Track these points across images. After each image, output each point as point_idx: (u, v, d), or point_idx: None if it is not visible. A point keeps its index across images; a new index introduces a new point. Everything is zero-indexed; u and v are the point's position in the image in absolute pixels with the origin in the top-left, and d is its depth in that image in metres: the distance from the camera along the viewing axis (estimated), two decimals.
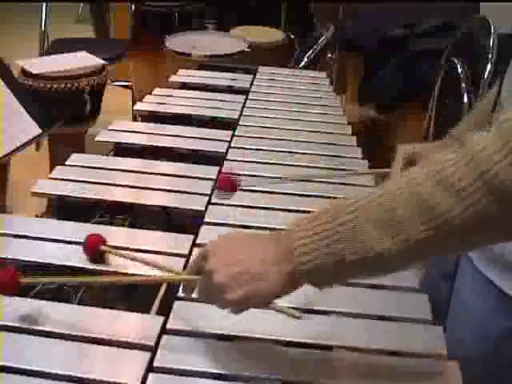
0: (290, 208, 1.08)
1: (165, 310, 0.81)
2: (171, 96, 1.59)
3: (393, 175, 1.04)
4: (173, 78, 1.73)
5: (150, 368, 0.71)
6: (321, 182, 1.18)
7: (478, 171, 0.56)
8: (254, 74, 1.82)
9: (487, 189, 0.56)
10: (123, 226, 1.03)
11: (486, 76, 1.82)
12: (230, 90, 1.69)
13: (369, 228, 0.60)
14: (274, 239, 0.67)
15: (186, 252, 0.93)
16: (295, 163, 1.26)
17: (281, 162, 1.26)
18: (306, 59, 2.89)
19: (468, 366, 0.79)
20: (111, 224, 1.03)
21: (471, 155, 0.57)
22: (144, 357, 0.72)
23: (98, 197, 1.08)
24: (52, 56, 2.43)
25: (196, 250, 0.84)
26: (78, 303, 0.85)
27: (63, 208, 1.08)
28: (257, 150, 1.31)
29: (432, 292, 0.92)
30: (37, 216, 1.05)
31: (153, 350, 0.74)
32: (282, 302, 0.74)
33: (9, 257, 0.89)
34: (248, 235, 0.74)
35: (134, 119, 1.58)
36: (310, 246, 0.63)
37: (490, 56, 1.84)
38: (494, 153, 0.55)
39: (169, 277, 0.86)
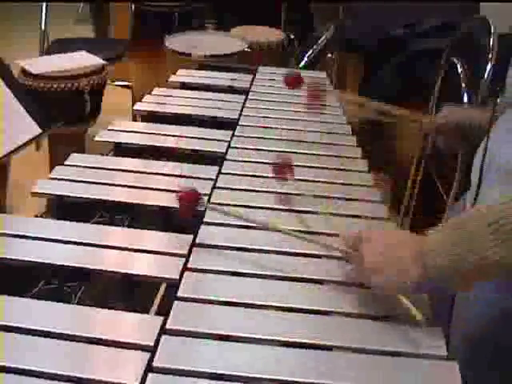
0: (290, 208, 1.08)
1: (164, 311, 0.81)
2: (171, 96, 1.59)
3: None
4: (173, 78, 1.73)
5: (149, 368, 0.71)
6: (321, 181, 1.18)
7: None
8: (254, 74, 1.82)
9: None
10: (122, 226, 1.03)
11: (485, 76, 1.82)
12: (230, 89, 1.69)
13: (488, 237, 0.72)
14: (415, 243, 0.79)
15: (186, 252, 0.93)
16: (295, 163, 1.26)
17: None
18: (305, 59, 2.89)
19: (473, 346, 0.94)
20: (111, 224, 1.03)
21: None
22: (143, 357, 0.72)
23: (97, 197, 1.08)
24: (52, 56, 2.43)
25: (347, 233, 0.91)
26: (78, 303, 0.85)
27: (63, 208, 1.08)
28: (256, 150, 1.31)
29: None
30: (37, 216, 1.05)
31: (152, 350, 0.73)
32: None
33: (9, 257, 0.89)
34: (392, 232, 0.90)
35: (134, 119, 1.58)
36: (437, 257, 0.75)
37: (489, 56, 1.84)
38: None
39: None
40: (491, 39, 1.86)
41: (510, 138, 0.93)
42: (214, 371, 0.72)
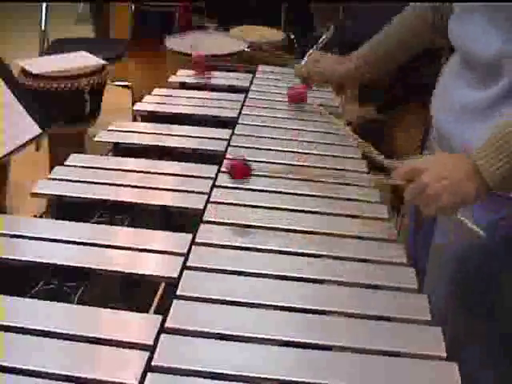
0: (290, 208, 1.08)
1: (163, 309, 0.81)
2: (171, 96, 1.58)
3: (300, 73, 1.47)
4: (173, 78, 1.73)
5: (149, 367, 0.71)
6: (321, 181, 1.18)
7: None
8: (254, 74, 1.82)
9: None
10: (122, 225, 1.03)
11: None
12: (230, 89, 1.69)
13: None
14: (467, 162, 0.89)
15: (185, 251, 0.93)
16: (295, 163, 1.26)
17: (280, 161, 1.26)
18: (305, 59, 2.88)
19: (456, 258, 1.06)
20: (111, 224, 1.03)
21: None
22: (142, 356, 0.72)
23: (97, 197, 1.08)
24: (52, 56, 2.43)
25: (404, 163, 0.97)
26: (77, 303, 0.85)
27: (63, 208, 1.08)
28: (256, 149, 1.31)
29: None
30: (36, 216, 1.05)
31: (151, 349, 0.73)
32: None
33: (9, 257, 0.89)
34: (444, 158, 0.97)
35: (134, 119, 1.58)
36: (491, 168, 0.86)
37: None
38: None
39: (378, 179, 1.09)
40: None
41: (457, 82, 1.06)
42: (213, 370, 0.72)
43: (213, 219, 1.02)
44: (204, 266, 0.90)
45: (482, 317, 1.04)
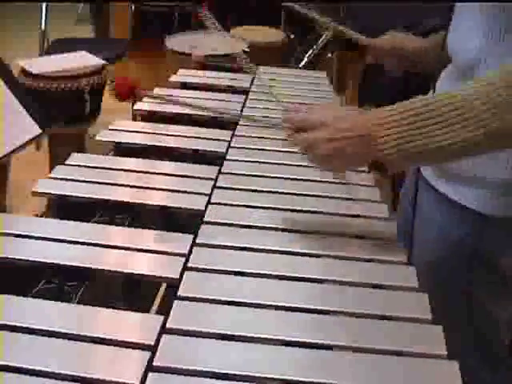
0: (290, 208, 1.08)
1: (164, 310, 0.81)
2: (171, 96, 1.58)
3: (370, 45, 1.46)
4: (173, 78, 1.73)
5: (150, 367, 0.71)
6: (321, 181, 1.18)
7: None
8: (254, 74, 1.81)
9: None
10: (123, 225, 1.03)
11: None
12: (230, 89, 1.69)
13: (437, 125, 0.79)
14: (364, 126, 0.85)
15: (186, 252, 0.93)
16: (295, 163, 1.26)
17: (280, 161, 1.26)
18: (305, 59, 2.89)
19: (431, 269, 1.05)
20: (111, 223, 1.03)
21: None
22: (143, 356, 0.72)
23: (97, 196, 1.08)
24: (52, 56, 2.43)
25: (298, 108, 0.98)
26: (78, 302, 0.85)
27: (63, 208, 1.08)
28: (257, 149, 1.31)
29: (405, 220, 1.16)
30: (37, 216, 1.05)
31: (152, 349, 0.74)
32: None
33: (9, 256, 0.89)
34: (340, 116, 0.89)
35: (134, 119, 1.58)
36: (388, 137, 0.82)
37: None
38: None
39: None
40: None
41: (448, 85, 1.04)
42: (214, 370, 0.72)
43: (214, 220, 1.02)
44: (205, 266, 0.90)
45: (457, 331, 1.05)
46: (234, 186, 1.14)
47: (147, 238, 0.97)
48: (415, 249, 1.12)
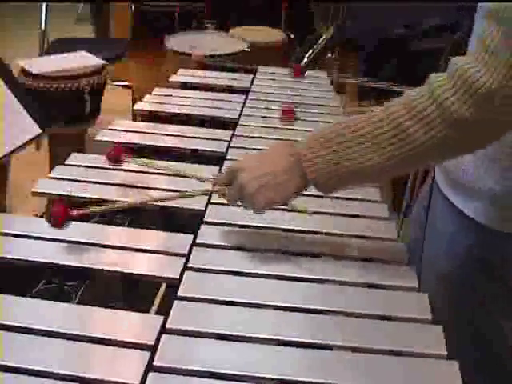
0: (290, 208, 1.08)
1: (164, 310, 0.81)
2: (171, 96, 1.59)
3: None
4: (173, 78, 1.73)
5: (150, 367, 0.71)
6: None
7: (436, 102, 0.75)
8: (254, 74, 1.82)
9: (443, 115, 0.75)
10: (123, 225, 1.03)
11: None
12: (230, 89, 1.69)
13: (359, 147, 0.81)
14: (289, 154, 0.86)
15: (186, 252, 0.93)
16: None
17: None
18: (305, 59, 2.89)
19: (442, 278, 1.04)
20: (111, 224, 1.03)
21: (431, 91, 0.76)
22: (144, 356, 0.72)
23: (98, 196, 1.08)
24: (52, 56, 2.43)
25: (225, 166, 0.99)
26: (78, 302, 0.85)
27: None
28: (256, 149, 1.31)
29: (419, 226, 1.15)
30: (37, 216, 1.05)
31: (152, 349, 0.74)
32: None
33: (9, 256, 0.89)
34: (265, 153, 0.91)
35: (134, 119, 1.58)
36: (315, 160, 0.83)
37: None
38: (447, 89, 0.75)
39: (200, 191, 0.99)
40: None
41: None
42: (214, 370, 0.72)
43: (214, 220, 1.02)
44: (205, 266, 0.90)
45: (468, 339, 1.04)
46: None
47: (147, 238, 0.97)
48: (425, 256, 1.11)
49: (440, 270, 1.06)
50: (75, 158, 1.21)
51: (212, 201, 1.09)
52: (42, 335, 0.75)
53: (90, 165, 1.18)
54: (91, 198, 1.07)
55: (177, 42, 2.53)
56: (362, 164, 0.81)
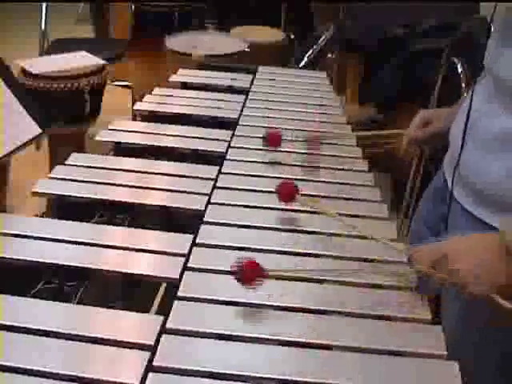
0: (290, 208, 1.08)
1: (164, 310, 0.81)
2: (171, 96, 1.59)
3: (405, 134, 1.26)
4: (173, 78, 1.73)
5: (150, 367, 0.71)
6: (321, 181, 1.18)
7: None
8: (254, 74, 1.82)
9: None
10: (123, 225, 1.03)
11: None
12: (230, 89, 1.69)
13: None
14: (494, 242, 0.84)
15: (186, 252, 0.93)
16: (295, 163, 1.26)
17: (281, 161, 1.26)
18: (306, 59, 2.89)
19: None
20: (111, 224, 1.03)
21: None
22: (143, 356, 0.72)
23: (98, 196, 1.08)
24: (52, 56, 2.43)
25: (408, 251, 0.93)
26: (78, 303, 0.85)
27: (63, 208, 1.08)
28: (256, 149, 1.31)
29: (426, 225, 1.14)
30: (37, 216, 1.05)
31: (152, 349, 0.74)
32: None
33: (9, 256, 0.89)
34: (476, 239, 0.88)
35: (134, 119, 1.58)
36: None
37: None
38: None
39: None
40: None
41: (488, 108, 0.99)
42: (213, 370, 0.72)
43: (214, 220, 1.02)
44: (205, 267, 0.90)
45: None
46: (233, 186, 1.14)
47: (147, 238, 0.97)
48: None
49: (456, 330, 1.03)
50: (75, 158, 1.21)
51: (212, 201, 1.09)
52: (42, 335, 0.75)
53: (90, 165, 1.18)
54: (91, 199, 1.07)
55: (177, 41, 2.52)
56: None
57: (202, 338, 0.77)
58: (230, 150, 1.30)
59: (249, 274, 0.82)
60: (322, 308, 0.83)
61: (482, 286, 0.83)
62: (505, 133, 0.95)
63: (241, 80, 1.75)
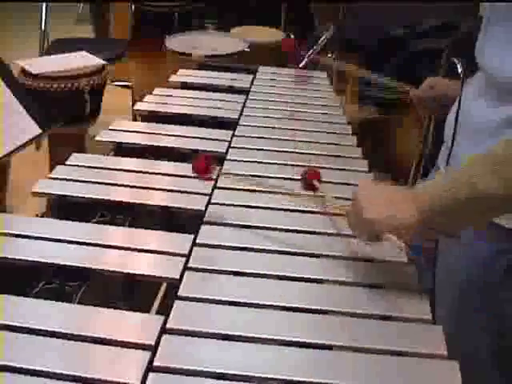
0: (290, 208, 1.08)
1: (165, 310, 0.81)
2: (171, 96, 1.59)
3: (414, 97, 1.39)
4: (173, 78, 1.73)
5: (150, 367, 0.71)
6: (322, 181, 1.18)
7: None
8: (254, 74, 1.82)
9: None
10: (123, 225, 1.03)
11: None
12: (230, 89, 1.69)
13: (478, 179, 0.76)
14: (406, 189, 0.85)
15: (186, 252, 0.93)
16: (295, 163, 1.26)
17: (281, 161, 1.26)
18: (306, 59, 2.89)
19: (459, 286, 1.03)
20: (111, 224, 1.03)
21: None
22: (144, 356, 0.72)
23: (98, 197, 1.08)
24: (52, 56, 2.43)
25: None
26: (79, 303, 0.85)
27: (63, 208, 1.08)
28: (257, 149, 1.31)
29: None
30: (37, 216, 1.05)
31: (153, 349, 0.74)
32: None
33: (9, 257, 0.89)
34: (386, 187, 0.88)
35: (134, 119, 1.58)
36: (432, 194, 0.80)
37: None
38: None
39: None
40: None
41: (478, 100, 1.01)
42: (214, 370, 0.72)
43: (214, 220, 1.03)
44: (205, 266, 0.90)
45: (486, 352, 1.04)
46: (233, 186, 1.14)
47: (147, 238, 0.97)
48: (441, 265, 1.09)
49: (457, 277, 1.04)
50: (75, 158, 1.21)
51: (212, 201, 1.09)
52: (43, 335, 0.75)
53: (90, 165, 1.18)
54: (91, 199, 1.07)
55: (177, 41, 2.52)
56: (482, 191, 0.76)
57: (202, 337, 0.77)
58: (230, 150, 1.31)
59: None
60: (321, 308, 0.83)
61: (375, 215, 0.82)
62: (489, 126, 0.96)
63: (241, 80, 1.75)
